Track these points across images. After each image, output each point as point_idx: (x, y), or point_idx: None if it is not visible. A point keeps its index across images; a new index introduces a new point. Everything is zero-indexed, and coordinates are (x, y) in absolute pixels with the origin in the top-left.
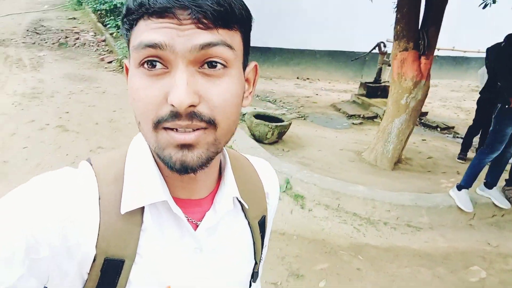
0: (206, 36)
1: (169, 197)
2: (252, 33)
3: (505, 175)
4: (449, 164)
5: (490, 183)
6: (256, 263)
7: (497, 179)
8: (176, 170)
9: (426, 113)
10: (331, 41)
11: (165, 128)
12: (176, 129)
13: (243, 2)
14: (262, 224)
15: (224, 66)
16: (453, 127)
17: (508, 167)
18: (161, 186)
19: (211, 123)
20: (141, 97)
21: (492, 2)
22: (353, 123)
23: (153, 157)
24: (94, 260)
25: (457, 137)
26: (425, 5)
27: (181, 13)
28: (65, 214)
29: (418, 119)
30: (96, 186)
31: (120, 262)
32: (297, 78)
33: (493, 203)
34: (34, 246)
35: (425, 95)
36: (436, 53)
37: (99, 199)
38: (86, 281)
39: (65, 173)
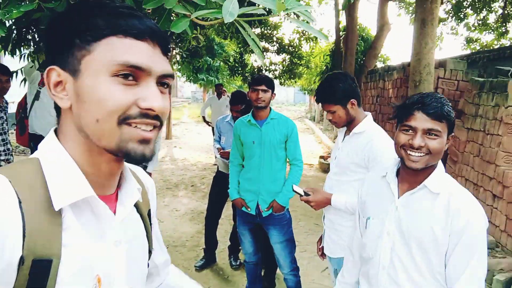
0: (168, 66)
1: (94, 194)
2: None
3: None
4: None
5: None
6: (150, 252)
7: None
8: (137, 161)
9: None
10: None
11: (129, 124)
12: (137, 126)
13: None
14: (149, 216)
15: (168, 87)
16: None
17: None
18: (86, 183)
19: (161, 124)
20: (115, 99)
21: None
22: None
23: (72, 158)
24: (22, 263)
25: None
26: None
27: (155, 40)
28: None
29: None
30: (14, 191)
31: (48, 262)
32: None
33: None
34: None
35: None
36: None
37: (20, 203)
38: None
39: None
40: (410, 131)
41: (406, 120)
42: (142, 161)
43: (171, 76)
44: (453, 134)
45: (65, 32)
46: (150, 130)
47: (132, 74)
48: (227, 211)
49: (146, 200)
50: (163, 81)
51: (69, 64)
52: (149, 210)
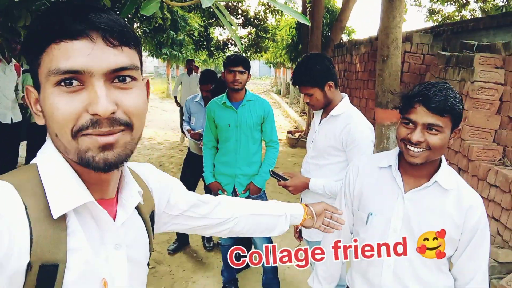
0: (117, 59)
1: (93, 199)
2: None
3: None
4: None
5: None
6: (150, 254)
7: None
8: (100, 169)
9: None
10: None
11: (86, 135)
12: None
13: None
14: (152, 218)
15: (132, 79)
16: None
17: None
18: (84, 189)
19: (128, 125)
20: (61, 111)
21: None
22: None
23: (69, 164)
24: (29, 269)
25: None
26: None
27: (94, 34)
28: None
29: None
30: (20, 198)
31: (54, 267)
32: None
33: None
34: None
35: None
36: None
37: (26, 209)
38: None
39: None
40: (410, 124)
41: (407, 113)
42: (106, 168)
43: (128, 68)
44: (459, 127)
45: (25, 50)
46: (115, 133)
47: (75, 78)
48: (197, 191)
49: (149, 201)
50: (121, 75)
51: (34, 80)
52: (153, 212)
